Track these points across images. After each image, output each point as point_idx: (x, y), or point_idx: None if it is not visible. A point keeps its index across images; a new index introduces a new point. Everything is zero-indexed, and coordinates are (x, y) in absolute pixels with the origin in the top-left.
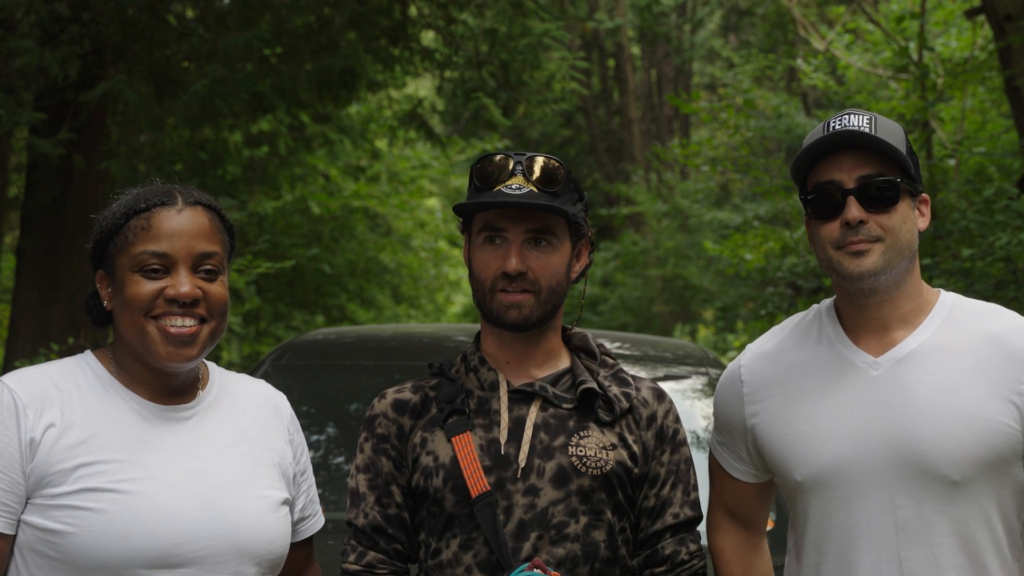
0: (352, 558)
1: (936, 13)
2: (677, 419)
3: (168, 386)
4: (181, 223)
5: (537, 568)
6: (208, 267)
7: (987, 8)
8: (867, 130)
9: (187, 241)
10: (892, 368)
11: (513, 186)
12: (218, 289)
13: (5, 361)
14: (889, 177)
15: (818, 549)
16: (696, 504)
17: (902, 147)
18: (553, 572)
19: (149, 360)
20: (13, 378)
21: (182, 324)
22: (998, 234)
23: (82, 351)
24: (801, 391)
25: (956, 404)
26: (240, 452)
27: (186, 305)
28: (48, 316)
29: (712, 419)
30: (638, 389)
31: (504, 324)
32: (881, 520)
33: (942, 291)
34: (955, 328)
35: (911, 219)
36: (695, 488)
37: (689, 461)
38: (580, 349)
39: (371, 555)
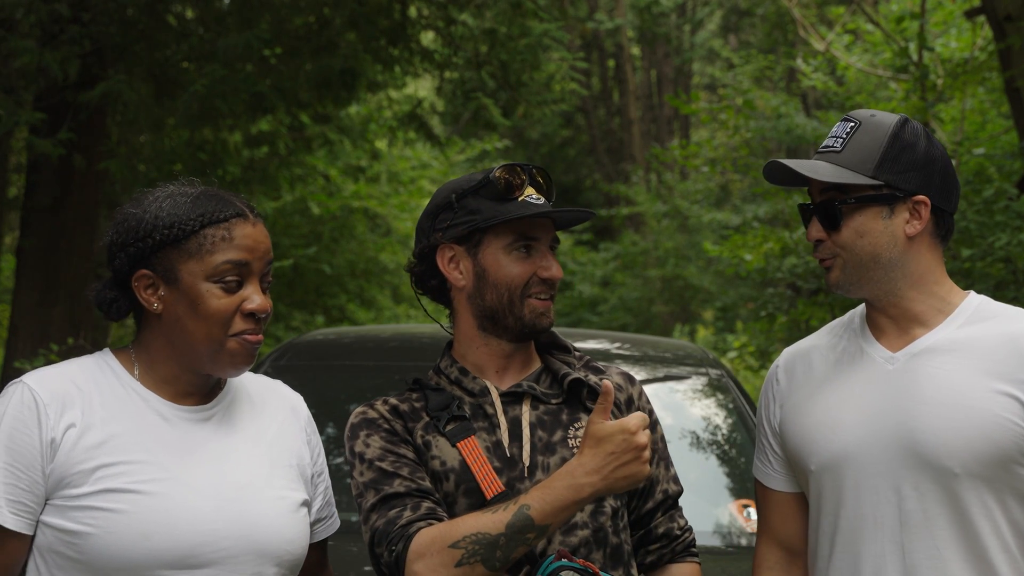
0: (407, 513)
1: (936, 14)
2: (648, 400)
3: (196, 388)
4: (257, 236)
5: (564, 558)
6: (268, 280)
7: (987, 9)
8: (837, 144)
9: (261, 254)
10: (906, 362)
11: (532, 196)
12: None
13: (5, 361)
14: (835, 198)
15: (831, 540)
16: (678, 479)
17: (873, 155)
18: (579, 559)
19: (211, 368)
20: (34, 378)
21: (255, 336)
22: (998, 235)
23: (82, 351)
24: (822, 383)
25: (962, 397)
26: (259, 453)
27: (260, 319)
28: (48, 316)
29: (710, 419)
30: (610, 376)
31: (536, 329)
32: (886, 511)
33: (971, 293)
34: (976, 328)
35: (875, 230)
36: (672, 463)
37: (664, 439)
38: (550, 346)
39: (427, 503)
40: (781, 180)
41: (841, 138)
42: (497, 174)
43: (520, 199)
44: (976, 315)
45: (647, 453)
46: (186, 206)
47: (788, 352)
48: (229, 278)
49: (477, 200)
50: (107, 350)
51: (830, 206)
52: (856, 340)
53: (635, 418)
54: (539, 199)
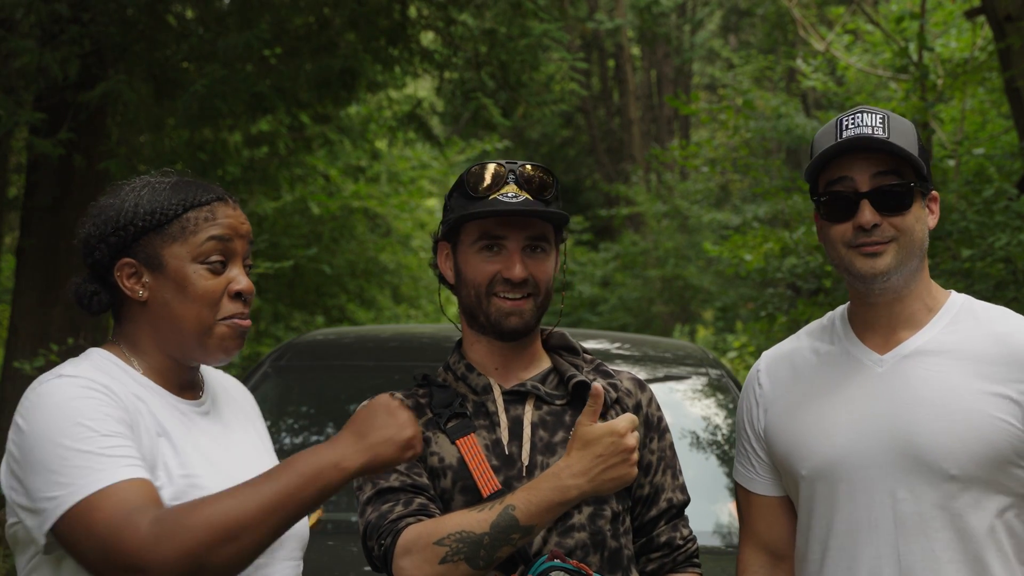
0: (398, 508)
1: (936, 14)
2: (659, 407)
3: (187, 381)
4: (239, 217)
5: (557, 558)
6: (249, 263)
7: (987, 9)
8: (880, 132)
9: (243, 234)
10: (896, 365)
11: (508, 194)
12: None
13: (5, 361)
14: (903, 181)
15: (823, 544)
16: (684, 488)
17: (915, 147)
18: (572, 560)
19: (199, 354)
20: (70, 369)
21: (244, 322)
22: (998, 235)
23: (81, 351)
24: (810, 388)
25: (956, 399)
26: (256, 441)
27: (246, 302)
28: (48, 316)
29: (710, 419)
30: (620, 380)
31: (503, 330)
32: (881, 514)
33: (953, 292)
34: (961, 328)
35: (923, 218)
36: (681, 472)
37: (673, 447)
38: (560, 348)
39: (420, 500)
40: (817, 174)
41: (879, 126)
42: (468, 172)
43: (491, 197)
44: (960, 315)
45: (635, 455)
46: (166, 192)
47: (769, 355)
48: (214, 258)
49: (456, 198)
50: (97, 349)
51: (897, 188)
52: (841, 343)
53: (624, 420)
54: (518, 196)
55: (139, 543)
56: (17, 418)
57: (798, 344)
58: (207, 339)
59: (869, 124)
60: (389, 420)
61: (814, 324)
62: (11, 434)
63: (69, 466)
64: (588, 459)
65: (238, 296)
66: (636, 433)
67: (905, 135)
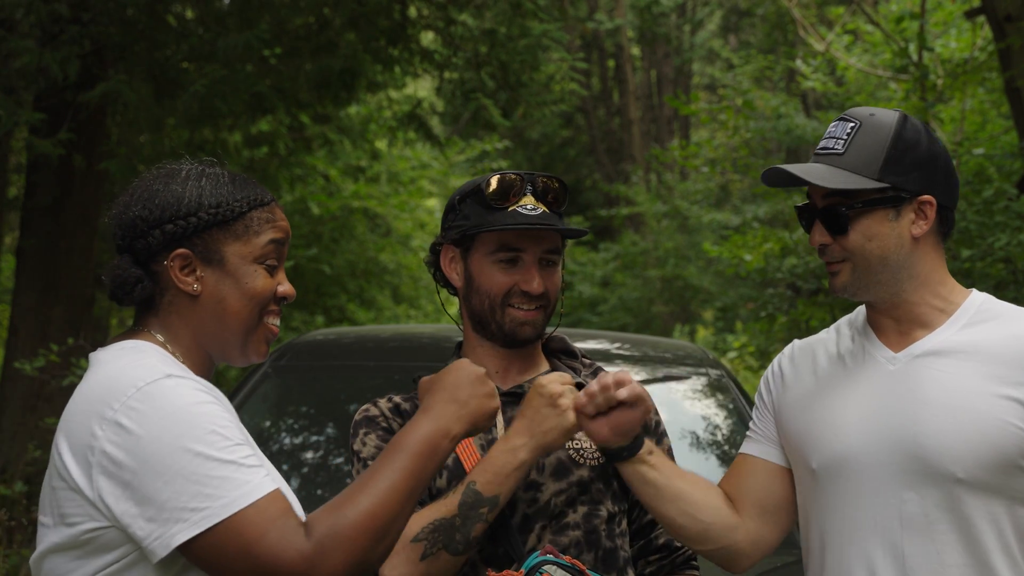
0: None
1: (936, 14)
2: (656, 411)
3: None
4: (287, 220)
5: (550, 553)
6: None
7: (987, 9)
8: (839, 147)
9: (289, 239)
10: (908, 363)
11: (528, 206)
12: None
13: (5, 361)
14: (848, 201)
15: (822, 541)
16: None
17: (877, 159)
18: (566, 556)
19: (236, 352)
20: (171, 366)
21: (277, 329)
22: (998, 235)
23: (82, 351)
24: (825, 380)
25: (965, 401)
26: None
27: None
28: (48, 316)
29: (710, 419)
30: None
31: (515, 339)
32: (887, 514)
33: (973, 291)
34: (978, 329)
35: (883, 233)
36: None
37: (671, 451)
38: (559, 351)
39: None
40: (780, 182)
41: (842, 139)
42: (488, 182)
43: (510, 209)
44: (978, 315)
45: (563, 401)
46: (228, 187)
47: (797, 343)
48: (270, 261)
49: (471, 205)
50: (141, 342)
51: (835, 211)
52: (859, 339)
53: (549, 375)
54: (536, 208)
55: (303, 562)
56: (120, 419)
57: (825, 337)
58: (250, 337)
59: (835, 136)
60: (480, 388)
61: (847, 317)
62: (108, 435)
63: (214, 477)
64: (527, 418)
65: (282, 300)
66: (562, 385)
67: (867, 148)
